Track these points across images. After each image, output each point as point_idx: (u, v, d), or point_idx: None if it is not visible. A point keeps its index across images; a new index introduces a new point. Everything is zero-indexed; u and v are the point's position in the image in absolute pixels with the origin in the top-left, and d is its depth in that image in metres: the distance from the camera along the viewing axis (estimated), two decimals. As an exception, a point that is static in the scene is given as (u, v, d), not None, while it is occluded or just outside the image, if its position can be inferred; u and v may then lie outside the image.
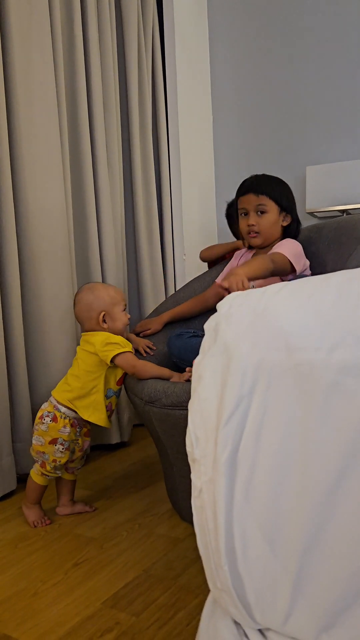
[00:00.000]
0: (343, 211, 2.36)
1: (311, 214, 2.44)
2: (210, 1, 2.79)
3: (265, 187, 1.64)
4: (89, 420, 1.58)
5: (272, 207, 1.64)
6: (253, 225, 1.64)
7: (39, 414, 1.59)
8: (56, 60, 1.96)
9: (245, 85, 2.75)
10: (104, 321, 1.59)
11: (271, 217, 1.64)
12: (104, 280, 2.18)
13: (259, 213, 1.64)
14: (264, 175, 1.71)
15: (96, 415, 1.57)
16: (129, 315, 1.65)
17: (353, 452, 0.61)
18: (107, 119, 2.23)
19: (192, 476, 0.72)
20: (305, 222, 2.55)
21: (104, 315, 1.59)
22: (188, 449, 0.74)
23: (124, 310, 1.63)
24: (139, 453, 2.21)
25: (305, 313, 0.68)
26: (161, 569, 1.34)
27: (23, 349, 1.85)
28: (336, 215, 2.41)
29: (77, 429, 1.59)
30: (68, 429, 1.56)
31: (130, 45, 2.38)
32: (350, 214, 2.35)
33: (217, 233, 2.79)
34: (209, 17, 2.80)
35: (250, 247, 1.79)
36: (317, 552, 0.65)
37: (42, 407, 1.60)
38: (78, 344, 2.04)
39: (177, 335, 1.68)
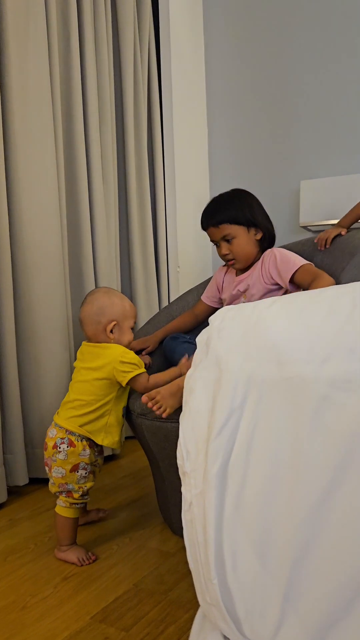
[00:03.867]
0: (336, 225, 2.38)
1: (305, 227, 2.46)
2: (206, 15, 2.83)
3: (221, 215, 1.61)
4: (102, 444, 1.47)
5: (237, 231, 1.60)
6: (227, 254, 1.63)
7: (50, 444, 1.43)
8: (52, 71, 1.98)
9: (240, 99, 2.78)
10: (112, 331, 1.48)
11: (241, 240, 1.61)
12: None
13: (227, 241, 1.62)
14: (215, 199, 1.67)
15: (109, 439, 1.47)
16: (133, 335, 1.56)
17: (342, 465, 0.61)
18: (102, 131, 2.25)
19: (183, 489, 0.73)
20: (299, 236, 2.57)
21: (114, 324, 1.48)
22: (179, 462, 0.74)
23: (132, 327, 1.54)
24: (131, 466, 2.20)
25: (296, 327, 0.69)
26: (152, 583, 1.33)
27: (15, 359, 1.85)
28: (329, 229, 2.43)
29: (95, 449, 1.48)
30: (88, 450, 1.44)
31: (126, 57, 2.40)
32: (343, 228, 2.36)
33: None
34: (204, 31, 2.84)
35: None
36: (307, 565, 0.65)
37: (50, 435, 1.45)
38: (72, 355, 2.05)
39: (173, 337, 1.72)
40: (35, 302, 1.92)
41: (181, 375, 1.45)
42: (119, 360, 1.43)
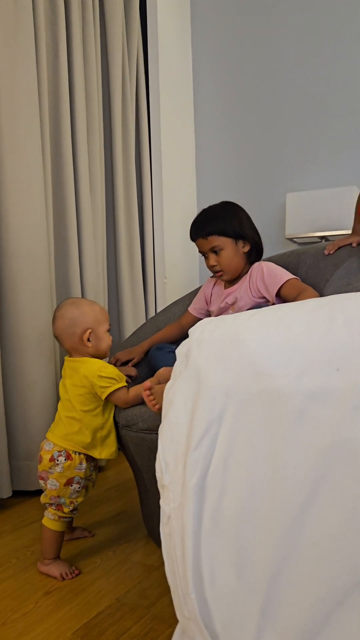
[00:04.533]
0: (322, 237, 2.40)
1: (291, 239, 2.48)
2: (194, 28, 2.86)
3: (210, 226, 1.62)
4: (101, 457, 1.46)
5: (225, 243, 1.62)
6: (214, 265, 1.64)
7: (46, 457, 1.42)
8: (40, 81, 1.99)
9: (227, 112, 2.81)
10: (89, 339, 1.46)
11: (228, 252, 1.63)
12: (84, 303, 2.17)
13: (215, 253, 1.64)
14: (205, 211, 1.69)
15: (106, 451, 1.46)
16: (111, 337, 1.56)
17: (318, 478, 0.61)
18: (90, 141, 2.26)
19: (161, 502, 0.72)
20: (285, 248, 2.59)
21: (90, 332, 1.46)
22: (158, 474, 0.74)
23: (108, 331, 1.53)
24: (116, 478, 2.18)
25: (275, 340, 0.69)
26: (135, 598, 1.31)
27: None
28: (315, 241, 2.45)
29: (92, 464, 1.47)
30: (84, 464, 1.43)
31: (115, 69, 2.42)
32: (329, 240, 2.39)
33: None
34: (192, 43, 2.87)
35: None
36: (284, 580, 0.64)
37: (46, 448, 1.43)
38: (58, 366, 2.04)
39: (158, 347, 1.72)
40: (21, 312, 1.91)
41: (157, 383, 1.45)
42: (97, 374, 1.42)
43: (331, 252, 1.69)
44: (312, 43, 2.58)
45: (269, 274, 1.61)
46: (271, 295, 1.59)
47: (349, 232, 2.31)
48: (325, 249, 1.73)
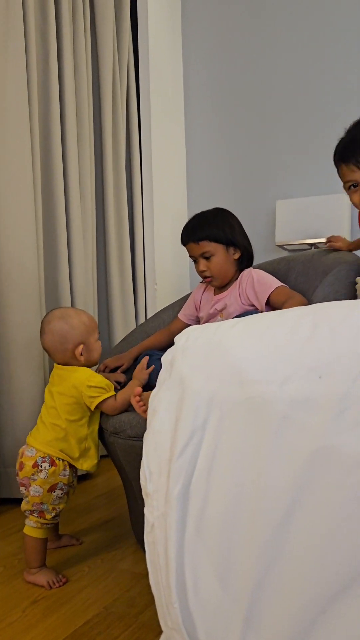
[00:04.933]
0: (312, 244, 2.41)
1: (281, 246, 2.49)
2: (185, 36, 2.88)
3: (202, 231, 1.63)
4: (82, 468, 1.46)
5: (216, 249, 1.63)
6: (204, 270, 1.65)
7: (28, 463, 1.40)
8: (30, 89, 1.99)
9: (218, 119, 2.82)
10: (81, 353, 1.46)
11: (219, 259, 1.63)
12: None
13: (206, 259, 1.64)
14: (197, 216, 1.69)
15: (88, 462, 1.46)
16: (100, 343, 1.55)
17: (301, 485, 0.61)
18: (80, 149, 2.26)
19: (145, 510, 0.72)
20: (275, 255, 2.60)
21: (82, 347, 1.45)
22: (142, 482, 0.73)
23: (98, 337, 1.53)
24: (105, 485, 2.17)
25: (259, 347, 0.69)
26: (122, 606, 1.30)
27: (-12, 377, 1.83)
28: (305, 248, 2.46)
29: (74, 470, 1.46)
30: (68, 471, 1.42)
31: (105, 76, 2.43)
32: (318, 247, 2.40)
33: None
34: (183, 51, 2.89)
35: None
36: (268, 587, 0.64)
37: (28, 454, 1.41)
38: (46, 373, 2.03)
39: (147, 354, 1.70)
40: (9, 318, 1.90)
41: (139, 384, 1.47)
42: (85, 384, 1.41)
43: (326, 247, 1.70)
44: (302, 52, 2.60)
45: (259, 281, 1.62)
46: (261, 304, 1.59)
47: (339, 239, 2.32)
48: (315, 255, 1.74)
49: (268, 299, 1.58)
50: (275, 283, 1.60)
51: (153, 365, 1.51)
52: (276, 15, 2.66)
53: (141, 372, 1.51)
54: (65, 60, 2.16)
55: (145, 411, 1.29)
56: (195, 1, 2.86)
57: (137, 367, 1.52)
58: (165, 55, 2.75)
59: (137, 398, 1.32)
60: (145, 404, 1.31)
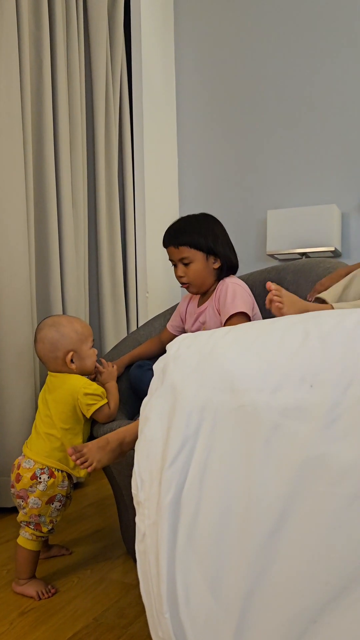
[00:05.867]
0: (302, 254, 2.43)
1: (272, 256, 2.51)
2: (177, 45, 2.91)
3: (183, 236, 1.59)
4: (79, 475, 1.43)
5: (195, 256, 1.59)
6: (182, 276, 1.63)
7: (27, 475, 1.38)
8: (23, 94, 1.99)
9: (210, 130, 2.85)
10: (72, 361, 1.44)
11: (198, 266, 1.60)
12: (65, 317, 2.16)
13: (185, 265, 1.61)
14: (181, 220, 1.66)
15: (84, 470, 1.41)
16: (96, 351, 1.53)
17: (292, 494, 0.61)
18: (72, 155, 2.27)
19: (137, 519, 0.71)
20: (266, 264, 2.62)
21: (72, 355, 1.44)
22: (133, 491, 0.73)
23: (92, 345, 1.51)
24: (96, 494, 2.15)
25: (250, 355, 0.69)
26: (112, 617, 1.29)
27: (-22, 385, 1.81)
28: (296, 258, 2.48)
29: (71, 481, 1.45)
30: (66, 482, 1.41)
31: (98, 82, 2.44)
32: (309, 257, 2.42)
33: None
34: (175, 60, 2.91)
35: None
36: (258, 597, 0.64)
37: (25, 466, 1.39)
38: (38, 381, 2.02)
39: (138, 365, 1.71)
40: (0, 326, 1.89)
41: (109, 380, 1.51)
42: (82, 392, 1.41)
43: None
44: (295, 63, 2.63)
45: (224, 303, 1.57)
46: (222, 320, 1.58)
47: (329, 248, 2.35)
48: (305, 264, 1.75)
49: (226, 322, 1.56)
50: (236, 309, 1.54)
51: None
52: (269, 24, 2.69)
53: (109, 370, 1.56)
54: (58, 67, 2.17)
55: (84, 462, 1.19)
56: (187, 8, 2.89)
57: (104, 373, 1.55)
58: (158, 63, 2.78)
59: (71, 451, 1.20)
60: (87, 455, 1.20)
